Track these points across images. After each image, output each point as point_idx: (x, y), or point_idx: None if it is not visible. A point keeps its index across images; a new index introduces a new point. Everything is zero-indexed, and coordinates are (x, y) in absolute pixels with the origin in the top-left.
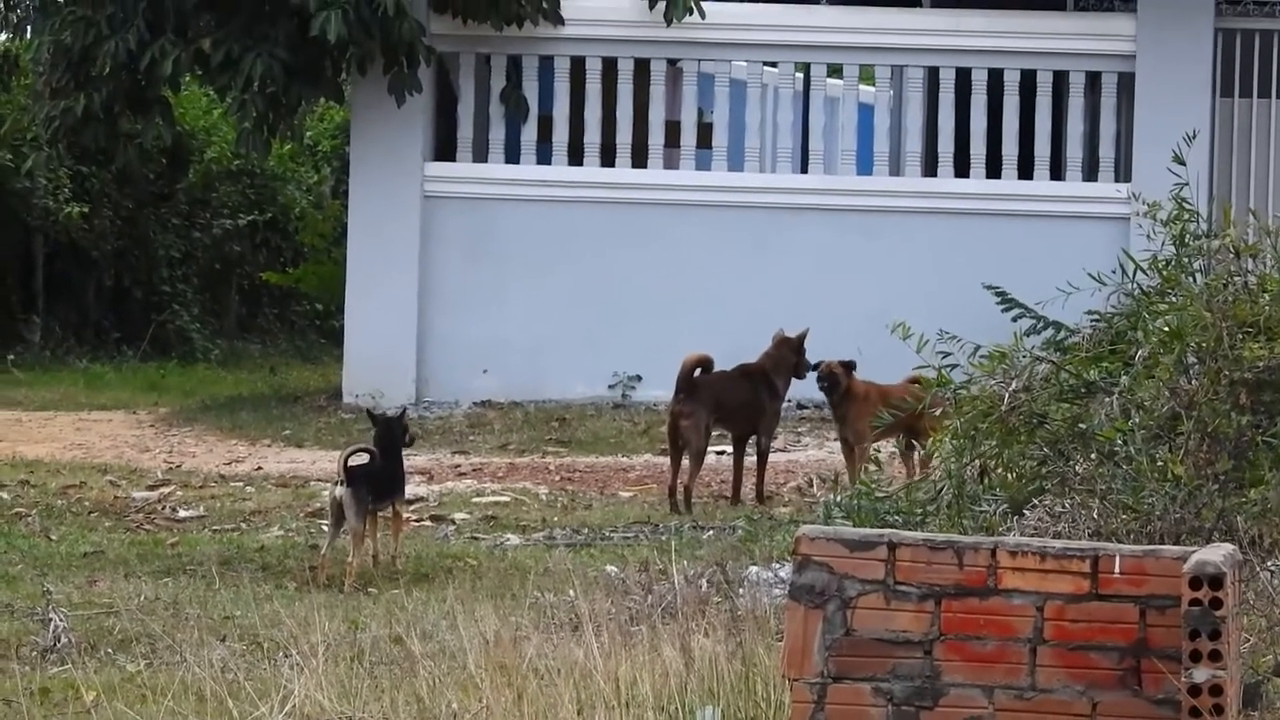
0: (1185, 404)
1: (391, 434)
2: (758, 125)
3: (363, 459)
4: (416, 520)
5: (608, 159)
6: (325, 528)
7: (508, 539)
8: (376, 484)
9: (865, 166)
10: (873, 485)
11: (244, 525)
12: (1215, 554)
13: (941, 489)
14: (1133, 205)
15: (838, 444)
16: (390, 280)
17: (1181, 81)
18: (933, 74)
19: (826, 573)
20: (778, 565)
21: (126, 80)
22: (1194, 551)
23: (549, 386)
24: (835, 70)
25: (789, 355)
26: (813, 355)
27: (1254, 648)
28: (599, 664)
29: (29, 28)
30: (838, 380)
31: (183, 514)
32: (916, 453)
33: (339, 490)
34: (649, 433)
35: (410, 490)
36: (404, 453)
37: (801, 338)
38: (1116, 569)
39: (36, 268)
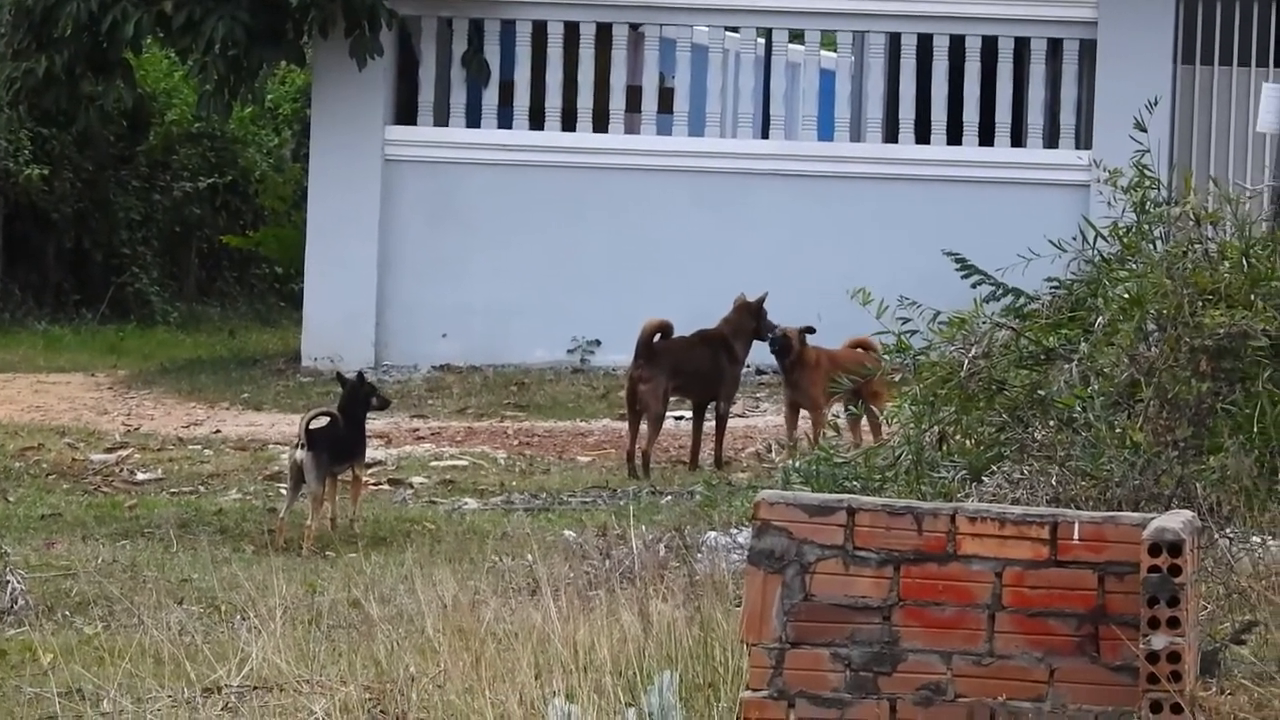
0: (1145, 371)
1: (356, 397)
2: (719, 90)
3: (323, 422)
4: (374, 484)
5: (569, 124)
6: (283, 491)
7: (466, 503)
8: (337, 447)
9: (826, 132)
10: (831, 450)
11: (202, 488)
12: (1174, 521)
13: (900, 455)
14: (1093, 172)
15: None
16: (350, 244)
17: (1143, 49)
18: (894, 40)
19: (785, 538)
20: (736, 530)
21: (88, 42)
22: (1153, 518)
23: (508, 351)
24: (797, 36)
25: (748, 320)
26: (773, 321)
27: (1212, 615)
28: (557, 628)
29: None
30: (790, 345)
31: (141, 476)
32: (862, 419)
33: (299, 454)
34: (608, 398)
35: (369, 454)
36: (368, 416)
37: (760, 302)
38: (1075, 535)
39: None
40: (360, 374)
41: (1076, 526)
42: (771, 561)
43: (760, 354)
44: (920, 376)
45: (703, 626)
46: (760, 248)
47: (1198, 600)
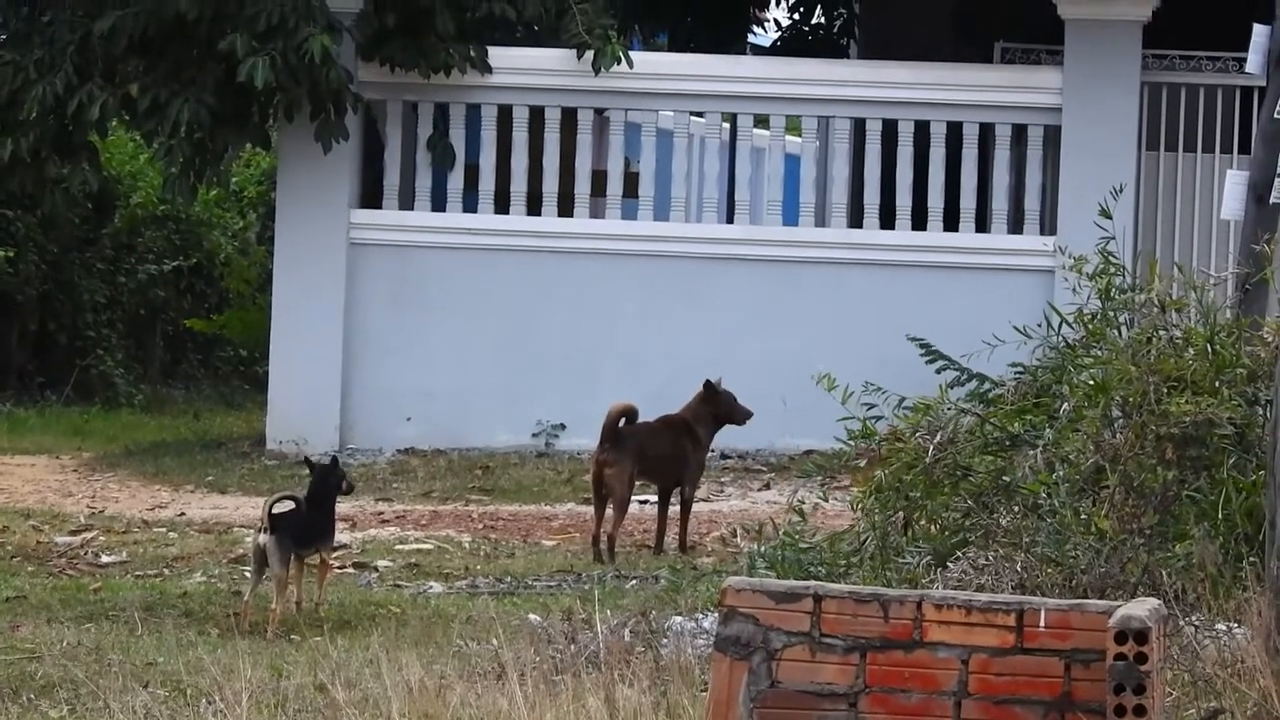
0: (1110, 458)
1: (326, 482)
2: (684, 175)
3: (287, 506)
4: (340, 567)
5: (534, 208)
6: (248, 574)
7: (431, 587)
8: (302, 531)
9: (791, 217)
10: (796, 536)
11: (167, 571)
12: (1140, 608)
13: (865, 540)
14: (1058, 258)
15: (761, 494)
16: (315, 327)
17: (1107, 135)
18: (859, 125)
19: (752, 624)
20: (701, 615)
21: (53, 125)
22: (1119, 606)
23: (473, 434)
24: (762, 120)
25: (709, 406)
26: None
27: (1177, 702)
28: (523, 714)
29: None
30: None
31: (105, 559)
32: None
33: (262, 538)
34: (572, 481)
35: (336, 538)
36: (336, 500)
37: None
38: (1042, 623)
39: None
40: (333, 458)
41: (1043, 614)
42: (738, 648)
43: (725, 439)
44: (885, 462)
45: (669, 712)
46: (725, 332)
47: (1164, 688)
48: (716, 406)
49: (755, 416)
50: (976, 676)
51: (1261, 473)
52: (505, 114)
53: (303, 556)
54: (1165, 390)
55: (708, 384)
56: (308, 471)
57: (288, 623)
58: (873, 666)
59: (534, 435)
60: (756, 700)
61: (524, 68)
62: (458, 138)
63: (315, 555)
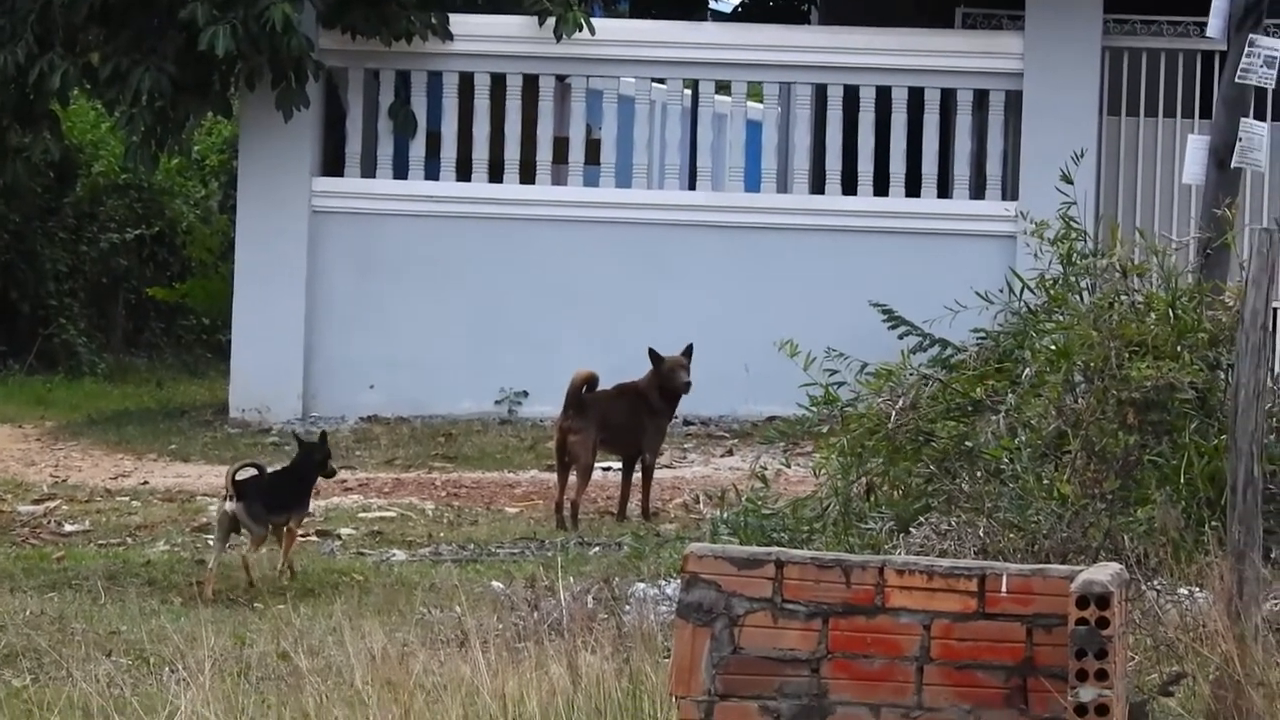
0: (1072, 423)
1: (310, 457)
2: (646, 142)
3: (250, 473)
4: (303, 535)
5: (496, 175)
6: (211, 542)
7: (394, 554)
8: (277, 498)
9: (753, 183)
10: (759, 502)
11: (130, 540)
12: (1102, 573)
13: (828, 506)
14: (1020, 224)
15: (724, 460)
16: (277, 295)
17: (1069, 100)
18: (820, 91)
19: (714, 590)
20: (664, 582)
21: (14, 94)
22: (1081, 570)
23: (436, 402)
24: (723, 87)
25: (673, 375)
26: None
27: (1140, 666)
28: (486, 681)
29: None
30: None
31: (68, 528)
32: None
33: (229, 505)
34: (535, 448)
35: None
36: (316, 478)
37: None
38: (1004, 588)
39: None
40: (323, 434)
41: (1005, 579)
42: (700, 614)
43: (686, 405)
44: (848, 428)
45: (632, 679)
46: (687, 299)
47: (1125, 652)
48: (658, 374)
49: (718, 382)
50: (939, 642)
51: (1223, 437)
52: (467, 81)
53: (276, 523)
54: (1127, 355)
55: (651, 351)
56: (296, 445)
57: (250, 590)
58: (835, 632)
59: (497, 402)
60: (719, 666)
61: (485, 34)
62: (419, 105)
63: (285, 524)
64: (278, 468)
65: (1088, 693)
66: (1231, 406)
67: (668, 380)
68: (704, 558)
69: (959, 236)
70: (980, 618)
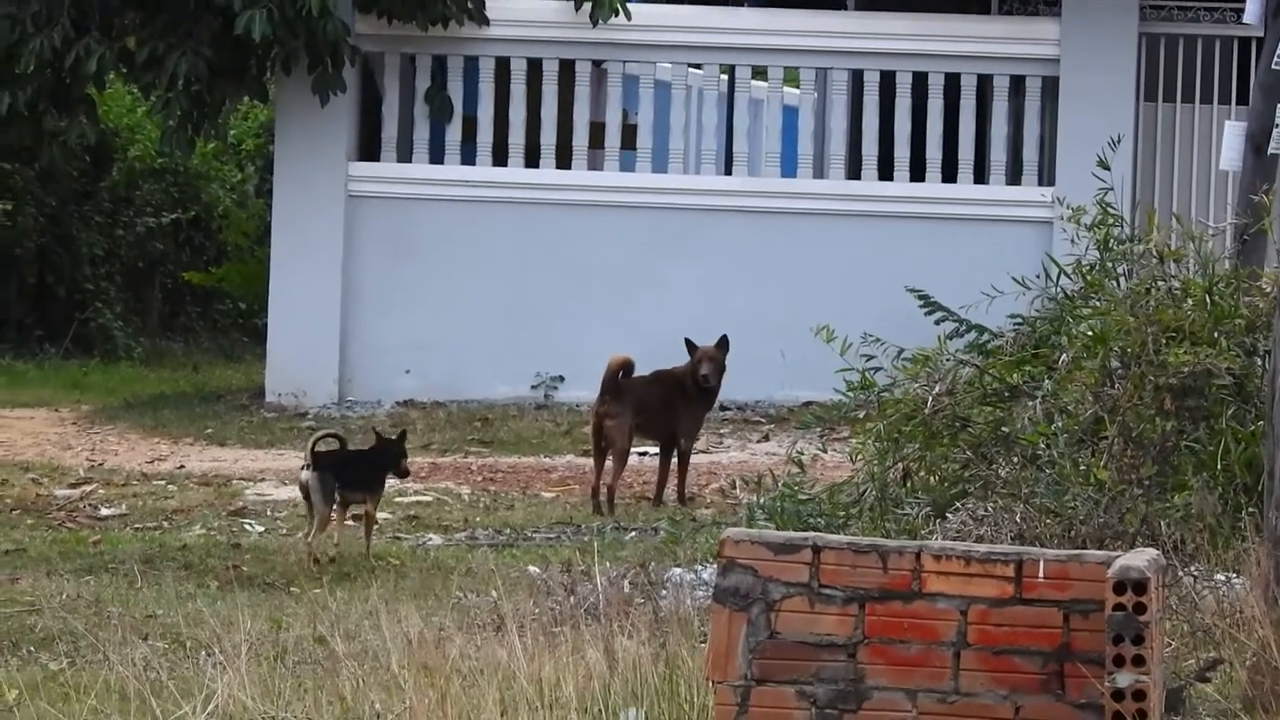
0: (1109, 408)
1: (386, 451)
2: (682, 127)
3: (331, 444)
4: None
5: (532, 160)
6: (248, 526)
7: (430, 539)
8: (350, 476)
9: (789, 168)
10: (795, 487)
11: (166, 524)
12: (1139, 559)
13: (865, 492)
14: (1056, 209)
15: (760, 445)
16: (313, 279)
17: (1105, 85)
18: (857, 76)
19: (751, 575)
20: (700, 567)
21: (51, 78)
22: (1118, 556)
23: (471, 386)
24: (760, 72)
25: (705, 363)
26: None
27: (1176, 652)
28: (522, 665)
29: None
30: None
31: (105, 512)
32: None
33: (304, 474)
34: (571, 433)
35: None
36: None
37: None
38: (1041, 573)
39: None
40: (403, 433)
41: (1042, 564)
42: (737, 599)
43: (724, 391)
44: (884, 413)
45: (668, 664)
46: (722, 284)
47: (1162, 638)
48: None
49: (754, 368)
50: (975, 627)
51: (1260, 423)
52: (503, 66)
53: (350, 500)
54: (1164, 341)
55: (687, 341)
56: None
57: (318, 567)
58: (871, 617)
59: (533, 387)
60: (755, 651)
61: (522, 19)
62: (455, 90)
63: (362, 504)
64: (357, 448)
65: (1124, 678)
66: (1268, 392)
67: (694, 371)
68: (740, 543)
69: (995, 222)
70: (1017, 603)
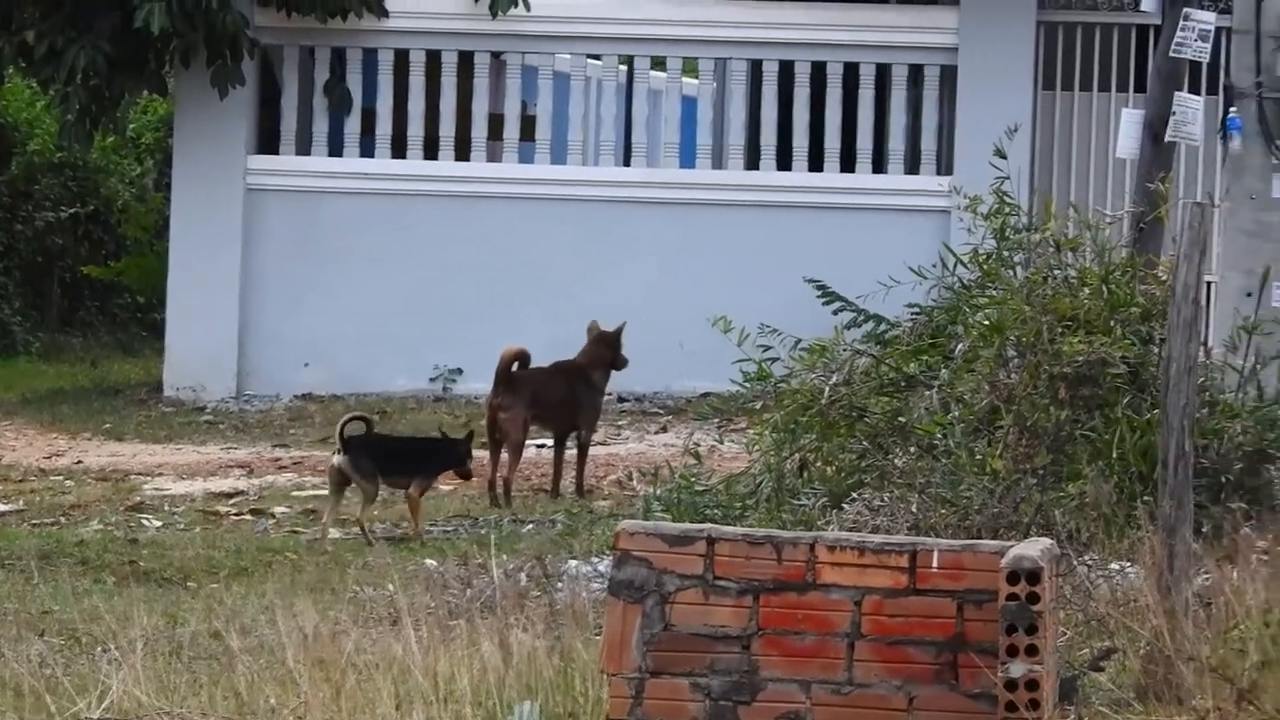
0: (1004, 398)
1: (455, 449)
2: (581, 118)
3: (358, 427)
4: (236, 514)
5: (431, 152)
6: (145, 521)
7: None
8: (390, 460)
9: (688, 159)
10: (692, 479)
11: (63, 519)
12: (1033, 548)
13: (761, 483)
14: (954, 198)
15: (659, 436)
16: (212, 273)
17: (1003, 74)
18: (755, 67)
19: (645, 568)
20: (597, 559)
21: None
22: (1011, 546)
23: (370, 379)
24: (659, 63)
25: (605, 350)
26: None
27: (1071, 642)
28: (417, 659)
29: None
30: None
31: (2, 508)
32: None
33: (337, 458)
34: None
35: (229, 484)
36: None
37: (617, 332)
38: (934, 564)
39: None
40: (470, 434)
41: (935, 555)
42: (631, 591)
43: (621, 382)
44: (781, 404)
45: (563, 656)
46: (622, 276)
47: (1056, 627)
48: (611, 350)
49: (653, 359)
50: (869, 618)
51: (1155, 412)
52: (402, 58)
53: (392, 484)
54: (1059, 330)
55: (593, 325)
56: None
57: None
58: (766, 609)
59: (431, 380)
60: (650, 643)
61: (421, 11)
62: (355, 82)
63: (405, 488)
64: (409, 435)
65: (1018, 668)
66: (1163, 380)
67: (616, 356)
68: (635, 535)
69: (894, 211)
70: (911, 593)
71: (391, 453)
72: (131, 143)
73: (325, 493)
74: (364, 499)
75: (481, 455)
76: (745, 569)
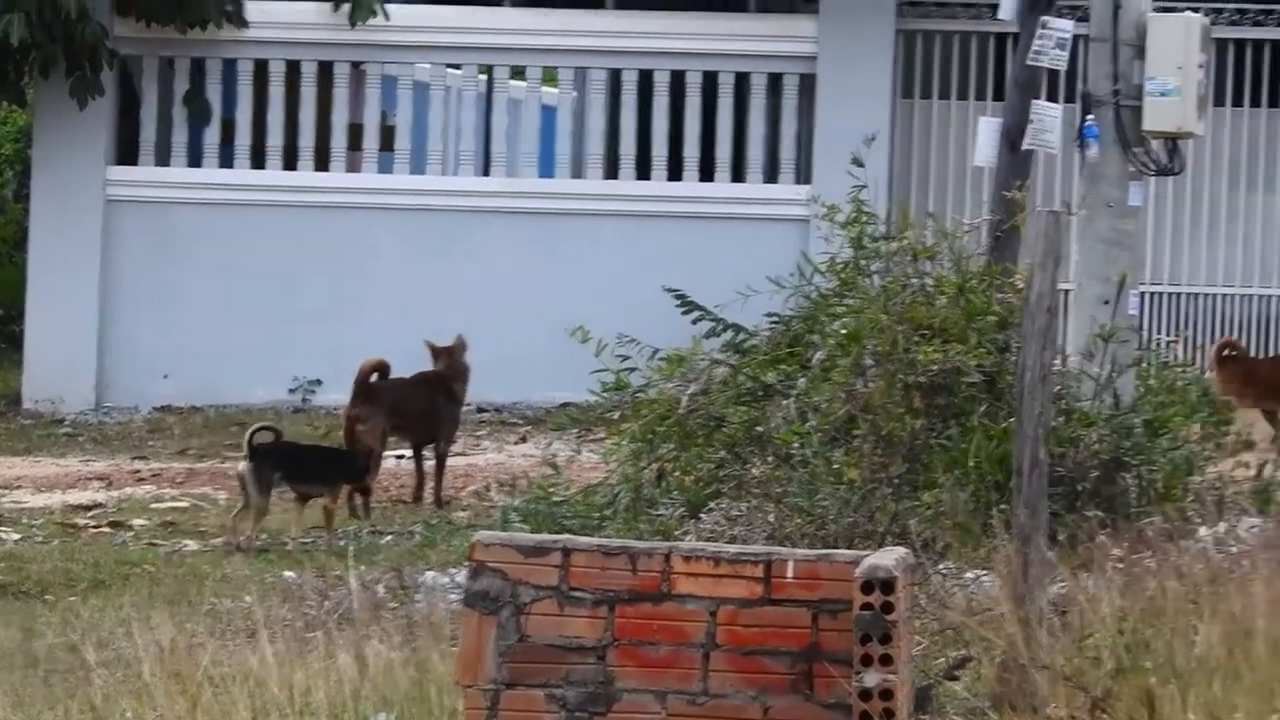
0: (861, 407)
1: (356, 461)
2: (440, 128)
3: (267, 437)
4: (95, 526)
5: (290, 163)
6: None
7: (186, 545)
8: (298, 467)
9: (547, 169)
10: (550, 489)
11: None
12: (887, 558)
13: (619, 493)
14: (813, 207)
15: (518, 447)
16: (71, 284)
17: (862, 83)
18: (615, 76)
19: (501, 579)
20: (455, 570)
21: None
22: (866, 555)
23: (229, 391)
24: (518, 72)
25: (462, 361)
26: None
27: (926, 651)
28: (274, 672)
29: None
30: None
31: None
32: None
33: (242, 465)
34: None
35: (88, 496)
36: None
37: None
38: (789, 573)
39: None
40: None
41: (790, 565)
42: (486, 603)
43: (481, 393)
44: (639, 414)
45: (419, 668)
46: (483, 286)
47: (911, 637)
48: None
49: (513, 369)
50: (724, 628)
51: (1012, 420)
52: (262, 68)
53: (301, 491)
54: (916, 339)
55: (461, 339)
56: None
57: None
58: (621, 619)
59: (291, 391)
60: (505, 654)
61: (281, 21)
62: (214, 93)
63: (316, 495)
64: (316, 444)
65: (872, 678)
66: (1018, 389)
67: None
68: (490, 546)
69: (753, 220)
70: (766, 604)
71: (302, 461)
72: None
73: (183, 505)
74: (254, 509)
75: None
76: (601, 580)
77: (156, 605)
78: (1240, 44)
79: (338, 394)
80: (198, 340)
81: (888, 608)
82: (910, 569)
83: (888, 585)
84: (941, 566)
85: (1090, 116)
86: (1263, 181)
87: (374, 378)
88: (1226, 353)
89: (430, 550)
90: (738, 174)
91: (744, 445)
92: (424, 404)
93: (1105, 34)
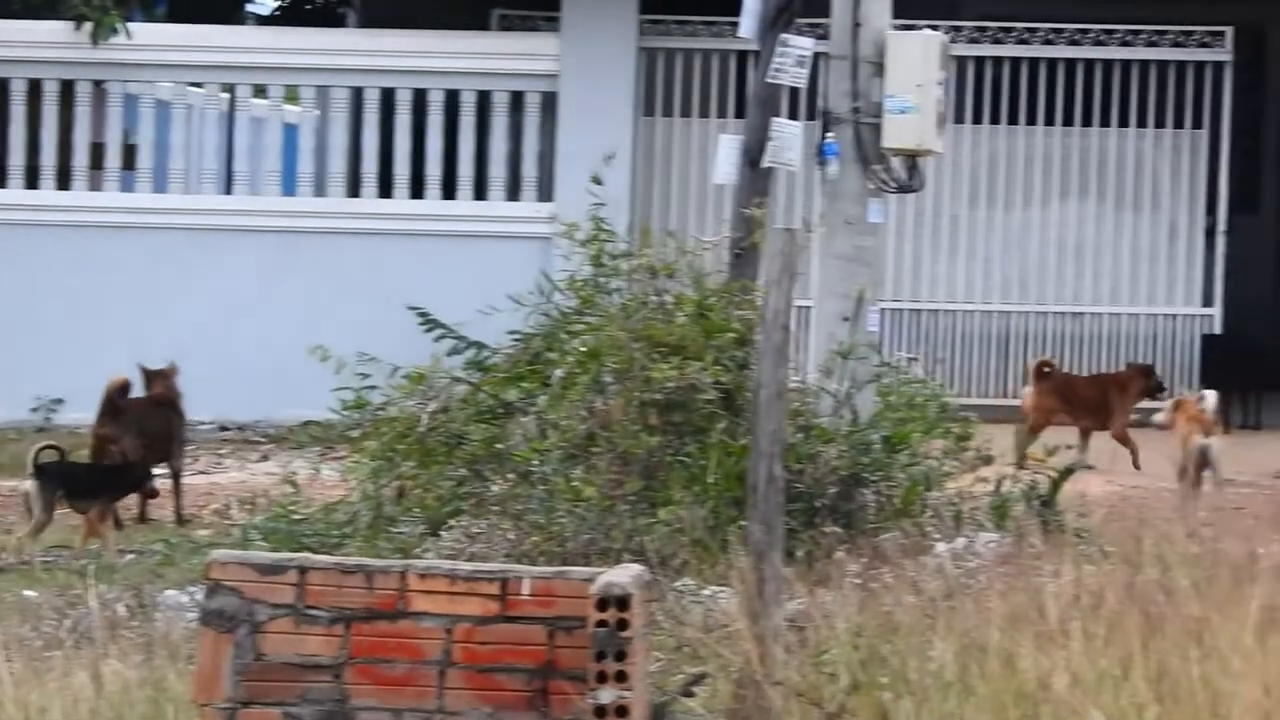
0: (600, 424)
1: (134, 471)
2: (183, 146)
3: (52, 456)
4: None
5: (32, 181)
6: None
7: None
8: (73, 483)
9: (290, 187)
10: (290, 508)
11: None
12: (623, 575)
13: (359, 511)
14: (555, 225)
15: (260, 465)
16: None
17: (604, 101)
18: (357, 94)
19: (237, 597)
20: (194, 589)
21: None
22: (602, 572)
23: None
24: (261, 91)
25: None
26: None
27: (663, 667)
28: (10, 692)
29: None
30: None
31: None
32: None
33: (27, 484)
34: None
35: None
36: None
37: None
38: (525, 591)
39: None
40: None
41: (526, 582)
42: (222, 621)
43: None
44: (379, 432)
45: (155, 687)
46: (225, 303)
47: (647, 653)
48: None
49: (255, 387)
50: (460, 645)
51: (751, 436)
52: (3, 87)
53: (81, 509)
54: (654, 356)
55: (142, 367)
56: None
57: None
58: (357, 637)
59: (32, 410)
60: (242, 673)
61: (22, 40)
62: None
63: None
64: (98, 463)
65: (607, 694)
66: (754, 406)
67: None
68: (227, 564)
69: (495, 238)
70: (502, 621)
71: (77, 477)
72: None
73: None
74: (34, 524)
75: None
76: (337, 598)
77: None
78: (980, 61)
79: (80, 412)
80: None
81: (623, 624)
82: (646, 586)
83: (623, 602)
84: (679, 583)
85: (830, 134)
86: (1002, 199)
87: (118, 396)
88: (1045, 370)
89: (170, 569)
90: (480, 192)
91: (484, 463)
92: (163, 423)
93: (845, 51)
